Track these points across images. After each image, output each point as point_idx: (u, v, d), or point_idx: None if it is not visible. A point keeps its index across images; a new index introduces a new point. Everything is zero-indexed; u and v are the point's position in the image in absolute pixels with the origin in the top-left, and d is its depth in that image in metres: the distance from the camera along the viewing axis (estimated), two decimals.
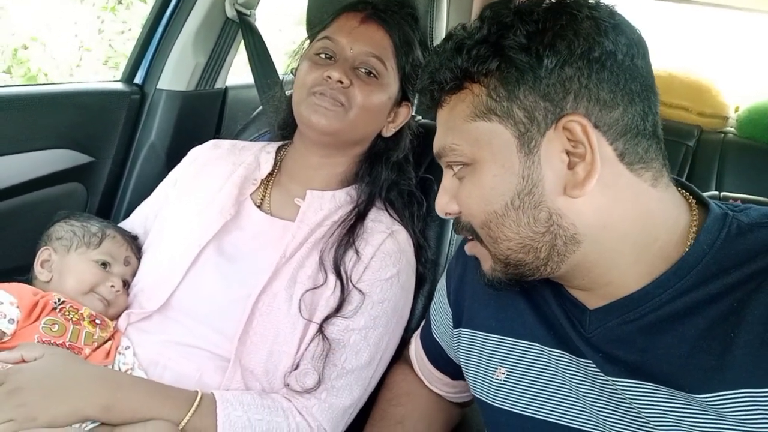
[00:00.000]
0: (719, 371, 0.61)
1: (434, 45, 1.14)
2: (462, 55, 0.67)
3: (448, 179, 0.74)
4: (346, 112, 1.04)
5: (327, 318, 0.99)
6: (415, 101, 1.18)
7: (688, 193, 0.72)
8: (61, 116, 1.40)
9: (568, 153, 0.65)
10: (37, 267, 1.04)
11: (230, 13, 1.61)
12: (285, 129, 1.20)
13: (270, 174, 1.15)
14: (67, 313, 0.95)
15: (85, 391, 0.84)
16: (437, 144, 0.74)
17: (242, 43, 1.67)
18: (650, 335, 0.66)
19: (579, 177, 0.64)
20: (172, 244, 1.06)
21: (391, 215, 1.11)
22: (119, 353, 0.98)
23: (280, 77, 1.59)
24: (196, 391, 0.91)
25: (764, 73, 2.70)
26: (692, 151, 2.06)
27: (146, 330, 1.01)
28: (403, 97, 1.13)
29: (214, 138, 1.26)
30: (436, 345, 0.98)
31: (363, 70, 1.06)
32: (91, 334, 0.95)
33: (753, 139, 2.10)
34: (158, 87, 1.59)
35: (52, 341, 0.91)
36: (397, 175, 1.14)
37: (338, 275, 1.01)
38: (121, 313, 1.03)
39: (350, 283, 1.01)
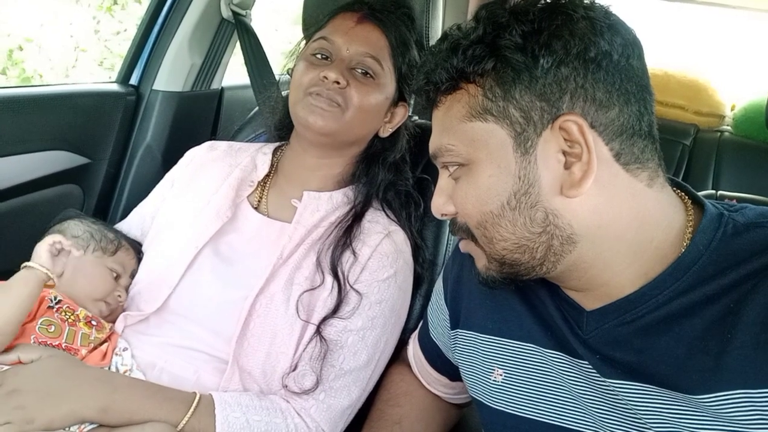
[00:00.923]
0: (716, 372, 0.61)
1: (430, 45, 1.14)
2: (458, 56, 0.67)
3: (444, 180, 0.74)
4: (342, 113, 1.03)
5: (324, 319, 0.99)
6: (412, 101, 1.17)
7: (683, 193, 0.72)
8: (56, 118, 1.40)
9: (564, 153, 0.65)
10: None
11: (226, 13, 1.61)
12: (281, 130, 1.20)
13: (267, 175, 1.15)
14: (63, 313, 0.94)
15: (82, 393, 0.84)
16: (433, 145, 0.74)
17: (238, 43, 1.67)
18: (647, 337, 0.66)
19: (576, 177, 0.64)
20: (169, 246, 1.06)
21: (388, 216, 1.11)
22: (117, 354, 0.97)
23: (277, 78, 1.59)
24: (194, 393, 0.91)
25: (760, 72, 2.71)
26: (689, 149, 2.07)
27: (143, 332, 1.01)
28: (400, 98, 1.12)
29: (210, 139, 1.26)
30: (434, 345, 0.98)
31: (359, 71, 1.05)
32: (87, 335, 0.95)
33: (749, 137, 2.11)
34: (154, 88, 1.59)
35: (48, 342, 0.90)
36: (394, 175, 1.14)
37: (335, 276, 1.01)
38: (117, 316, 1.03)
39: (347, 284, 1.01)
